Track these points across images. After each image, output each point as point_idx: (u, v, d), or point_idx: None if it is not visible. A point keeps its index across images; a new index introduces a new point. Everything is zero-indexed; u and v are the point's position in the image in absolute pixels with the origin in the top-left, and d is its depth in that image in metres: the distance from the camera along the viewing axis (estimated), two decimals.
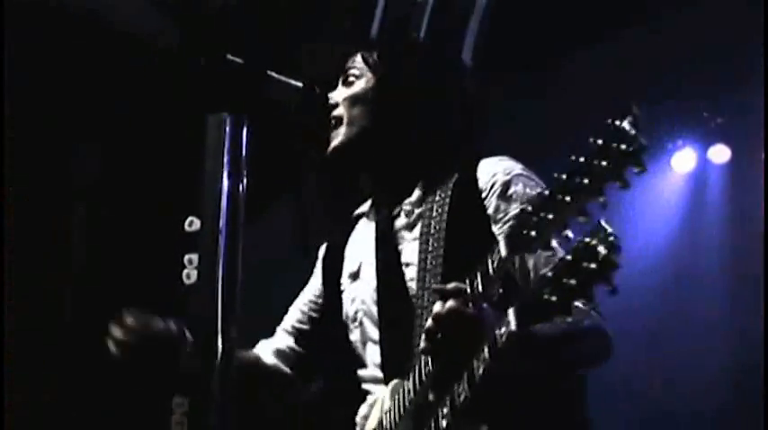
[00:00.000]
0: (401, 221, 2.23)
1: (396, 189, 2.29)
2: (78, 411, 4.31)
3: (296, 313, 2.47)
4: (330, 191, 2.46)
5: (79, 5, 4.34)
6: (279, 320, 2.50)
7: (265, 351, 2.44)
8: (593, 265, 1.41)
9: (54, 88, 4.40)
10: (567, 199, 1.49)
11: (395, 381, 2.02)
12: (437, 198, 2.15)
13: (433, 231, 2.11)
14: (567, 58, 5.02)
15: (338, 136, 2.26)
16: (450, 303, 1.75)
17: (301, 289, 2.52)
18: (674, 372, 5.44)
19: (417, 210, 2.20)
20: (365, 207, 2.44)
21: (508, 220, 1.98)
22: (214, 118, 1.71)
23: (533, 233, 1.56)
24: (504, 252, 1.64)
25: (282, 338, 2.45)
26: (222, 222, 1.66)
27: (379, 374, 2.13)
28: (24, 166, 4.20)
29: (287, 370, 2.41)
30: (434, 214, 2.13)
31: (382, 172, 2.34)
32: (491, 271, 1.70)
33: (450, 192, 2.14)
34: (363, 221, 2.40)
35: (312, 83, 1.86)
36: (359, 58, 2.33)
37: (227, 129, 1.70)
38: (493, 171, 2.14)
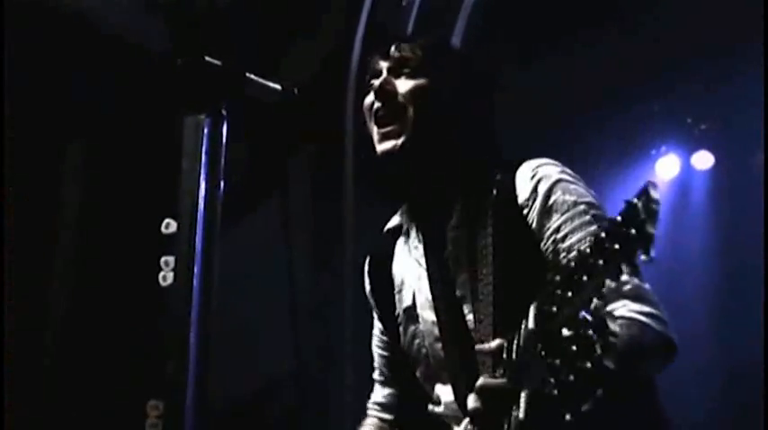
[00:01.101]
0: (449, 250, 2.14)
1: (436, 199, 2.18)
2: (53, 415, 4.28)
3: (378, 357, 2.41)
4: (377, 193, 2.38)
5: (65, 7, 4.32)
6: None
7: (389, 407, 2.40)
8: (633, 231, 1.41)
9: (40, 88, 4.38)
10: (586, 278, 1.49)
11: (466, 421, 1.99)
12: (479, 220, 2.05)
13: (479, 257, 2.02)
14: (551, 60, 5.02)
15: (397, 133, 2.12)
16: (483, 381, 1.77)
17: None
18: (658, 378, 5.43)
19: (462, 236, 2.10)
20: (397, 221, 2.32)
21: (551, 235, 1.95)
22: (191, 120, 1.70)
23: (554, 309, 1.55)
24: (531, 325, 1.63)
25: (380, 390, 2.40)
26: (199, 224, 1.65)
27: (455, 411, 2.09)
28: (13, 166, 4.18)
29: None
30: (479, 238, 2.03)
31: (426, 177, 2.19)
32: (521, 342, 1.68)
33: (491, 212, 2.04)
34: (403, 240, 2.30)
35: (291, 84, 1.85)
36: (418, 50, 2.17)
37: (205, 131, 1.69)
38: (532, 184, 2.04)
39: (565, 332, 1.51)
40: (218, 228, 1.68)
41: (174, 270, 1.68)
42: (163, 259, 1.74)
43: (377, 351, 2.40)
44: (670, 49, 4.99)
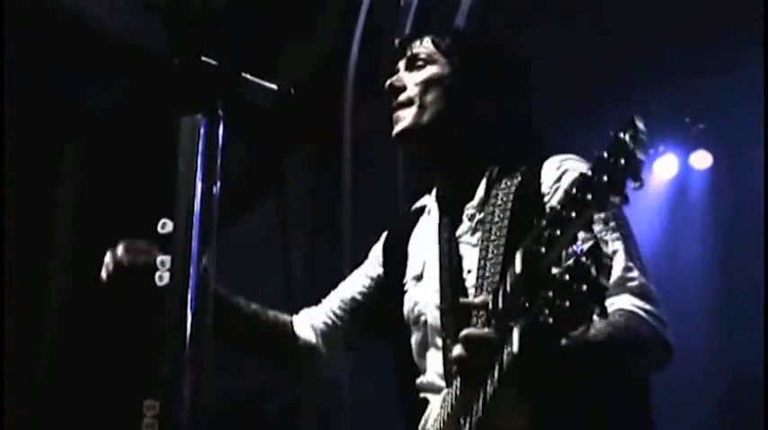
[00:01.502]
0: (464, 226, 2.18)
1: (460, 183, 2.23)
2: (51, 415, 4.28)
3: (345, 294, 2.41)
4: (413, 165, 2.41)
5: (63, 7, 4.32)
6: None
7: (302, 322, 2.40)
8: (622, 161, 1.41)
9: (37, 88, 4.38)
10: (573, 214, 1.49)
11: (445, 391, 2.00)
12: (499, 202, 2.09)
13: (493, 237, 2.05)
14: (548, 59, 5.01)
15: (408, 116, 2.19)
16: (468, 330, 1.76)
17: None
18: (653, 379, 5.42)
19: (479, 216, 2.14)
20: (425, 200, 2.39)
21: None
22: (188, 120, 1.70)
23: (542, 249, 1.55)
24: (518, 268, 1.62)
25: (322, 315, 2.41)
26: (195, 224, 1.65)
27: (439, 382, 2.10)
28: (10, 166, 4.18)
29: (321, 346, 2.37)
30: (495, 219, 2.07)
31: (449, 162, 2.27)
32: (508, 287, 1.68)
33: (512, 196, 2.09)
34: (425, 218, 2.36)
35: (288, 84, 1.85)
36: (427, 42, 2.25)
37: (202, 131, 1.69)
38: (557, 173, 2.09)
39: (554, 270, 1.52)
40: (215, 228, 1.68)
41: (170, 270, 1.68)
42: (159, 259, 1.75)
43: (352, 291, 2.40)
44: (668, 47, 4.99)
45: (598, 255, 1.48)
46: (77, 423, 4.27)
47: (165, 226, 1.70)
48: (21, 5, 4.02)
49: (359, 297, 2.39)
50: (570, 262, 1.49)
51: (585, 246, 1.49)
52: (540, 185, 2.07)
